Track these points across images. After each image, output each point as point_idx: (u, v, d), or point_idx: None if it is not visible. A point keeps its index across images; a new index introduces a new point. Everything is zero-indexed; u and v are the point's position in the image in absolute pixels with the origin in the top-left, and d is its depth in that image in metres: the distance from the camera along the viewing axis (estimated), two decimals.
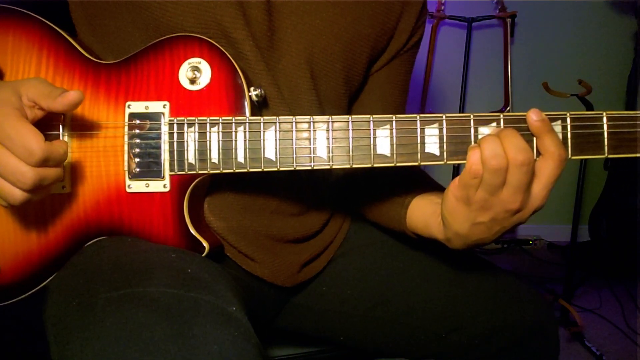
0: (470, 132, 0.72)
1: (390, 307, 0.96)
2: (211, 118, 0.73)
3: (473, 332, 0.92)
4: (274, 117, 0.72)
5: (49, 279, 0.76)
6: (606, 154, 0.72)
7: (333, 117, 0.72)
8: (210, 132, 0.73)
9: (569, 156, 0.72)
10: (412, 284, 0.96)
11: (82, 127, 0.76)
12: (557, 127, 0.72)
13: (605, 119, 0.72)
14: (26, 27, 0.78)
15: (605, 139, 0.72)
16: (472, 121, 0.72)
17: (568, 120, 0.72)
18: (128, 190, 0.75)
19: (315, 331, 1.04)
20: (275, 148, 0.72)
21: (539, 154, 0.71)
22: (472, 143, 0.71)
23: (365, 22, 0.90)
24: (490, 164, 0.67)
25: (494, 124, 0.72)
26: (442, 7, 2.96)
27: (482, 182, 0.69)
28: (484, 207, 0.71)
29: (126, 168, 0.75)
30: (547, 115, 0.71)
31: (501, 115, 0.72)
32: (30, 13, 0.79)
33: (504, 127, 0.71)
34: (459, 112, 0.72)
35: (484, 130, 0.72)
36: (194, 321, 0.57)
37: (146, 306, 0.57)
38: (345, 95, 0.94)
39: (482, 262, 1.00)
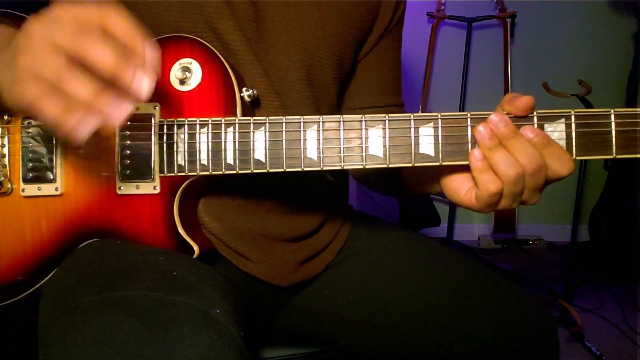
0: (467, 131, 0.69)
1: (393, 314, 0.95)
2: (201, 119, 0.72)
3: (475, 345, 0.92)
4: (264, 118, 0.71)
5: (44, 280, 0.76)
6: (614, 155, 0.68)
7: (324, 117, 0.70)
8: (199, 133, 0.72)
9: (574, 157, 0.69)
10: (416, 292, 0.95)
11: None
12: (561, 125, 0.69)
13: (613, 117, 0.68)
14: None
15: (614, 138, 0.68)
16: (468, 120, 0.70)
17: (572, 118, 0.68)
18: (119, 192, 0.75)
19: (315, 333, 1.03)
20: (265, 149, 0.71)
21: (541, 127, 0.69)
22: (469, 143, 0.69)
23: (350, 4, 0.90)
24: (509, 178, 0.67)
25: None
26: (442, 7, 2.96)
27: (504, 194, 0.69)
28: (509, 202, 0.71)
29: (117, 170, 0.75)
30: (550, 113, 0.69)
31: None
32: (27, 16, 0.79)
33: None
34: (459, 112, 0.70)
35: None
36: (171, 324, 0.56)
37: (125, 310, 0.57)
38: (337, 80, 0.94)
39: (484, 270, 0.99)
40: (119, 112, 0.52)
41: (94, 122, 0.52)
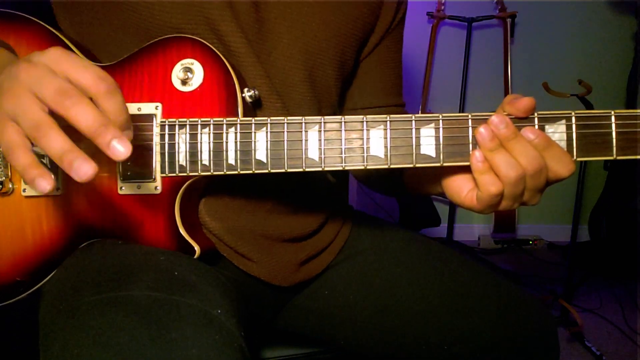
0: (468, 132, 0.69)
1: (393, 314, 0.95)
2: (202, 119, 0.72)
3: (476, 346, 0.92)
4: (265, 118, 0.71)
5: (45, 280, 0.76)
6: (615, 156, 0.68)
7: (325, 117, 0.70)
8: (201, 134, 0.72)
9: (574, 158, 0.69)
10: (416, 292, 0.95)
11: (76, 129, 0.75)
12: (562, 126, 0.68)
13: (613, 118, 0.68)
14: (26, 31, 0.78)
15: (614, 140, 0.68)
16: (470, 121, 0.69)
17: (573, 119, 0.68)
18: (120, 192, 0.75)
19: (316, 333, 1.03)
20: (267, 149, 0.71)
21: (542, 128, 0.69)
22: (470, 145, 0.69)
23: (351, 4, 0.90)
24: (510, 179, 0.67)
25: None
26: (442, 7, 2.96)
27: (505, 195, 0.69)
28: (510, 203, 0.71)
29: (118, 170, 0.75)
30: (550, 114, 0.68)
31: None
32: (30, 17, 0.79)
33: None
34: (459, 113, 0.70)
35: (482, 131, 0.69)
36: (173, 325, 0.57)
37: (126, 310, 0.58)
38: (339, 81, 0.94)
39: (484, 270, 1.00)
40: (82, 172, 0.53)
41: (51, 182, 0.55)
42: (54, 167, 0.75)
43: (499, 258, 3.15)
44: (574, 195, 2.29)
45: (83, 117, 0.54)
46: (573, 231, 2.36)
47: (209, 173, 0.72)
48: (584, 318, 2.25)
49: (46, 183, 0.54)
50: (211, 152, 0.72)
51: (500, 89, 2.95)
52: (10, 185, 0.76)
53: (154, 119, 0.74)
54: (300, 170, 0.71)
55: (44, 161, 0.76)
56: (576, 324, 2.13)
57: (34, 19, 0.79)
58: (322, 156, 0.70)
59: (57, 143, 0.54)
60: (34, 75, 0.56)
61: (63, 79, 0.56)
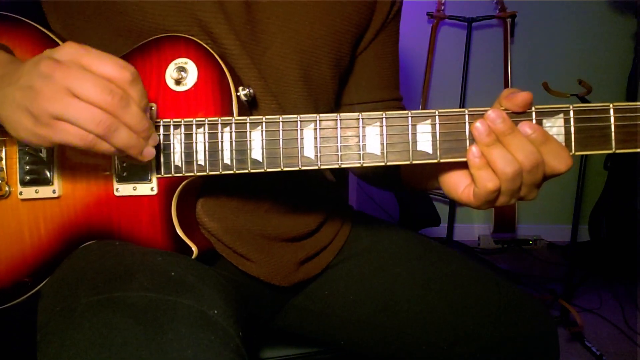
0: (465, 128, 0.69)
1: (393, 315, 0.95)
2: (197, 119, 0.72)
3: (476, 346, 0.92)
4: (260, 117, 0.70)
5: (43, 282, 0.76)
6: (614, 149, 0.67)
7: (321, 115, 0.70)
8: (196, 134, 0.72)
9: (573, 152, 0.68)
10: (415, 292, 0.95)
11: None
12: (560, 120, 0.68)
13: (612, 111, 0.67)
14: (18, 32, 0.78)
15: (613, 133, 0.67)
16: (466, 116, 0.69)
17: (571, 113, 0.68)
18: (116, 193, 0.75)
19: (315, 333, 1.03)
20: (262, 148, 0.70)
21: (539, 122, 0.68)
22: (467, 140, 0.69)
23: (346, 1, 0.89)
24: (507, 175, 0.66)
25: None
26: (442, 7, 2.96)
27: (502, 191, 0.68)
28: (507, 199, 0.71)
29: (114, 171, 0.75)
30: (548, 108, 0.68)
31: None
32: (23, 19, 0.79)
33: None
34: (457, 109, 0.69)
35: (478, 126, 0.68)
36: (169, 325, 0.57)
37: (122, 311, 0.58)
38: (335, 78, 0.94)
39: (484, 270, 0.99)
40: (149, 155, 0.65)
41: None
42: (50, 170, 0.75)
43: (499, 258, 3.14)
44: (574, 195, 2.29)
45: (137, 120, 0.61)
46: (573, 231, 2.36)
47: (204, 173, 0.72)
48: (584, 318, 2.24)
49: (152, 152, 0.65)
50: (207, 152, 0.71)
51: (500, 90, 2.89)
52: (7, 189, 0.76)
53: None
54: (297, 168, 0.70)
55: (42, 156, 0.76)
56: (576, 324, 2.13)
57: (26, 20, 0.78)
58: (318, 154, 0.70)
59: (125, 136, 0.61)
60: (69, 75, 0.57)
61: (96, 74, 0.58)
